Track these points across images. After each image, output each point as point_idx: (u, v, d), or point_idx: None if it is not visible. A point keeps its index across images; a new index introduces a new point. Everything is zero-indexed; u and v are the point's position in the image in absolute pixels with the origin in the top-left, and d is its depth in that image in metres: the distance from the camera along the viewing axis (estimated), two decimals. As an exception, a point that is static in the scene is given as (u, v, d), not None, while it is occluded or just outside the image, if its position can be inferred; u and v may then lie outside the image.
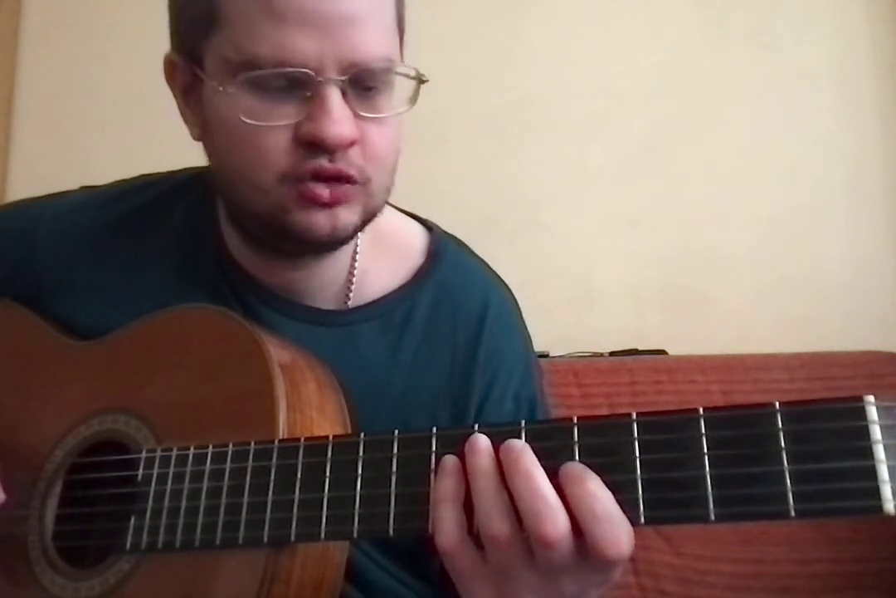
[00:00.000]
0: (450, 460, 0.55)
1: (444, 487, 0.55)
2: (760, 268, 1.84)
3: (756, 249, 1.85)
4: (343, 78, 0.66)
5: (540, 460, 0.53)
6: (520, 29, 1.93)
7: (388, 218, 0.80)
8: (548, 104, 1.91)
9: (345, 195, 0.69)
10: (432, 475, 0.56)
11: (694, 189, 1.88)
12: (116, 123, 1.92)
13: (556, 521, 0.51)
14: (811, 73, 1.91)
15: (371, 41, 0.67)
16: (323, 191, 0.68)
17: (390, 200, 0.78)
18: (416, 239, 0.86)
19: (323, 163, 0.67)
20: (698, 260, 1.86)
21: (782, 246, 1.85)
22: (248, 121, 0.67)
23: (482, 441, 0.55)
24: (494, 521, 0.53)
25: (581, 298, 1.86)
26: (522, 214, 1.89)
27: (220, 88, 0.67)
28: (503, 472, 0.53)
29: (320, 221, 0.69)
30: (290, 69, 0.65)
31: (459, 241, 0.89)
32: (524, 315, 0.88)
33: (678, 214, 1.87)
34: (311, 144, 0.67)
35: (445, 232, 0.88)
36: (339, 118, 0.66)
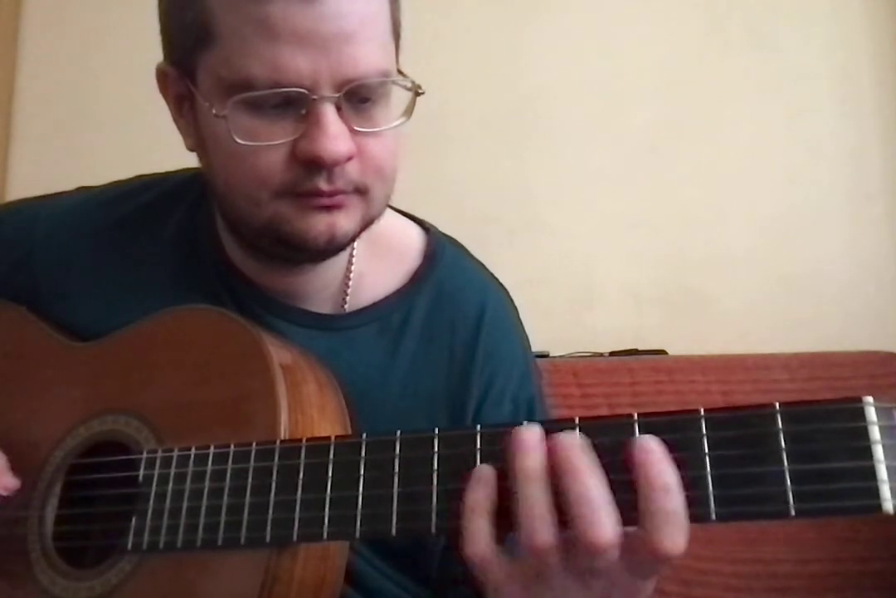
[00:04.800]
0: (486, 470, 0.53)
1: (478, 496, 0.52)
2: (760, 268, 1.84)
3: (756, 249, 1.85)
4: (338, 94, 0.65)
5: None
6: (521, 29, 1.92)
7: (385, 219, 0.79)
8: (548, 104, 1.91)
9: (344, 201, 0.69)
10: (434, 476, 0.55)
11: (694, 189, 1.87)
12: (116, 122, 1.92)
13: (606, 527, 0.48)
14: (811, 73, 1.90)
15: (366, 56, 0.65)
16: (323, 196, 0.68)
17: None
18: (413, 241, 0.85)
19: (320, 185, 0.67)
20: (698, 260, 1.86)
21: (782, 246, 1.85)
22: (242, 142, 0.66)
23: (534, 436, 0.51)
24: (540, 533, 0.50)
25: (581, 298, 1.86)
26: (523, 214, 1.88)
27: (214, 111, 0.67)
28: (553, 469, 0.50)
29: (319, 226, 0.69)
30: (285, 89, 0.64)
31: (456, 242, 0.89)
32: (524, 315, 0.88)
33: (678, 214, 1.87)
34: (308, 162, 0.66)
35: (443, 233, 0.88)
36: (335, 135, 0.65)
